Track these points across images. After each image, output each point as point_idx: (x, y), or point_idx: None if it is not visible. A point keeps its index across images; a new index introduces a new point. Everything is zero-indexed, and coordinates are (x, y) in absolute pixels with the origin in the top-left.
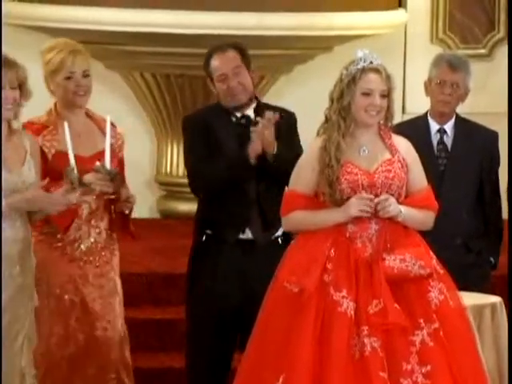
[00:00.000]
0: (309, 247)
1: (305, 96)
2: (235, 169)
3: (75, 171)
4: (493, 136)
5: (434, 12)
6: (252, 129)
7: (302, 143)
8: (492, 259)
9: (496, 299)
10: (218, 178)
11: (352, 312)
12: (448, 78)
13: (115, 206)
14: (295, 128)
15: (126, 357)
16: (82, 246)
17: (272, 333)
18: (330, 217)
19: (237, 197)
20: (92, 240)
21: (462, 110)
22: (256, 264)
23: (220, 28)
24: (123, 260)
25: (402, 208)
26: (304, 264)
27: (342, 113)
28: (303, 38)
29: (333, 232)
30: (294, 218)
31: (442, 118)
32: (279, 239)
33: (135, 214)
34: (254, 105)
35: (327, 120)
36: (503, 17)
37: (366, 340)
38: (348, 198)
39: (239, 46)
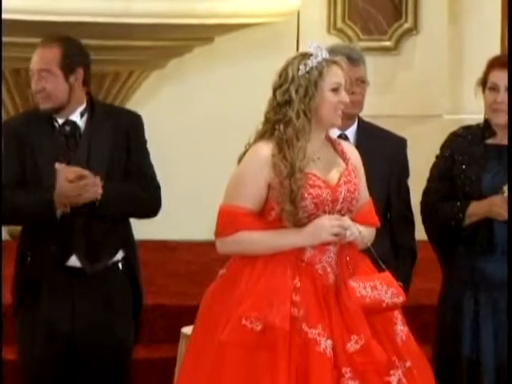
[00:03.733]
0: (268, 276)
1: (181, 95)
2: (35, 215)
3: None
4: (401, 143)
5: None
6: (57, 165)
7: (177, 145)
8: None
9: None
10: (14, 215)
11: (331, 351)
12: (352, 75)
13: None
14: (142, 134)
15: None
16: None
17: (229, 378)
18: (291, 240)
19: (61, 219)
20: None
21: (364, 112)
22: (87, 293)
23: (81, 14)
24: None
25: (360, 227)
26: (266, 297)
27: (308, 114)
28: (179, 26)
29: (290, 256)
30: (240, 241)
31: (347, 122)
32: (119, 264)
33: None
34: (81, 107)
35: (274, 123)
36: (411, 4)
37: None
38: (310, 216)
39: (69, 42)
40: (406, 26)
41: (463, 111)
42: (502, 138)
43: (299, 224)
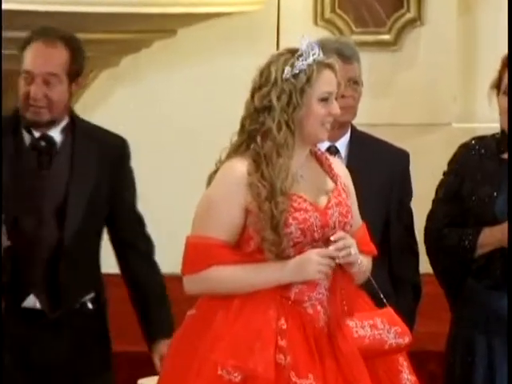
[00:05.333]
0: (246, 317)
1: (137, 98)
2: None
3: None
4: (402, 157)
5: None
6: None
7: (133, 159)
8: None
9: None
10: None
11: None
12: (343, 74)
13: None
14: (127, 166)
15: None
16: None
17: None
18: (274, 275)
19: (23, 250)
20: None
21: (357, 119)
22: (46, 342)
23: (19, 2)
24: None
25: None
26: (245, 341)
27: (291, 126)
28: (137, 17)
29: (274, 294)
30: (213, 278)
31: (337, 131)
32: (88, 303)
33: None
34: (64, 123)
35: (250, 134)
36: None
37: None
38: (295, 245)
39: (76, 43)
40: (409, 16)
41: (476, 119)
42: None
43: (283, 255)
